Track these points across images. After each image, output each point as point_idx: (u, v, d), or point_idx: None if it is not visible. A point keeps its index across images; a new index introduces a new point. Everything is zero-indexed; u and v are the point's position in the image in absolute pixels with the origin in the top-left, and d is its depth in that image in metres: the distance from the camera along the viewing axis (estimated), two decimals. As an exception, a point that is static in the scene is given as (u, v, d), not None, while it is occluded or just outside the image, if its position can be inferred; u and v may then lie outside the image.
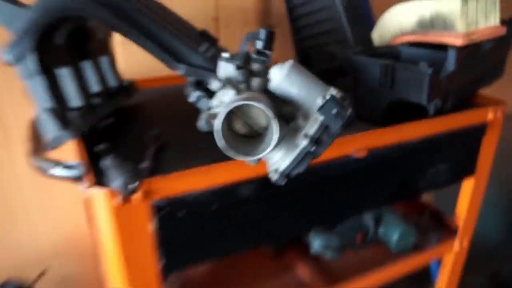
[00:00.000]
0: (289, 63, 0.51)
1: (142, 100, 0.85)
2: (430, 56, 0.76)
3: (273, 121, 0.47)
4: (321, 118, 0.50)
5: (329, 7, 0.91)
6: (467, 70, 0.76)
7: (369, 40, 0.89)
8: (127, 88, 0.81)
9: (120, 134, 0.70)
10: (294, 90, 0.51)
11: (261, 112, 0.51)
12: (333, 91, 0.50)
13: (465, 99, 0.87)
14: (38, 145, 0.63)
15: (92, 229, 0.96)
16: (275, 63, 1.03)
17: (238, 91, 0.50)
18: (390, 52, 0.81)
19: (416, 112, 0.74)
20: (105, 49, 0.79)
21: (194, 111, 0.62)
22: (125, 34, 0.56)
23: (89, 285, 1.11)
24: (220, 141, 0.46)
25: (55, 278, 1.06)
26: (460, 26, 0.70)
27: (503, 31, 0.75)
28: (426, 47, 0.79)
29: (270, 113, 0.46)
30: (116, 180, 0.47)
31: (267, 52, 0.52)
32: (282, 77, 0.50)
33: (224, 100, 0.50)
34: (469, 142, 0.86)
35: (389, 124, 0.73)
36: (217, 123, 0.45)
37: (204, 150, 0.61)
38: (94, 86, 0.68)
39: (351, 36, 0.89)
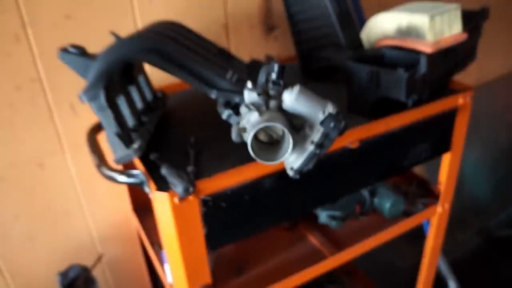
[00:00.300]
0: (296, 88, 0.68)
1: (170, 106, 1.02)
2: (408, 57, 0.92)
3: (288, 135, 0.64)
4: (322, 129, 0.67)
5: (323, 15, 1.06)
6: (438, 69, 0.93)
7: (359, 41, 1.05)
8: (161, 99, 0.98)
9: (160, 141, 0.87)
10: (302, 108, 0.68)
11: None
12: (330, 108, 0.67)
13: (441, 86, 1.04)
14: (101, 158, 0.81)
15: (136, 216, 1.15)
16: (280, 57, 1.21)
17: (260, 112, 0.68)
18: (376, 55, 0.97)
19: (398, 105, 0.91)
20: (141, 68, 0.95)
21: (215, 114, 0.79)
22: (170, 72, 0.72)
23: (134, 265, 1.31)
24: (252, 153, 0.64)
25: (106, 261, 1.26)
26: (429, 37, 0.87)
27: (464, 37, 0.91)
28: (404, 49, 0.95)
29: (286, 130, 0.64)
30: (178, 187, 0.65)
31: (280, 81, 0.69)
32: (292, 100, 0.68)
33: (251, 119, 0.68)
34: (444, 124, 1.03)
35: (377, 116, 0.91)
36: (249, 142, 0.63)
37: (232, 151, 0.79)
38: (139, 105, 0.86)
39: (343, 40, 1.05)
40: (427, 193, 1.22)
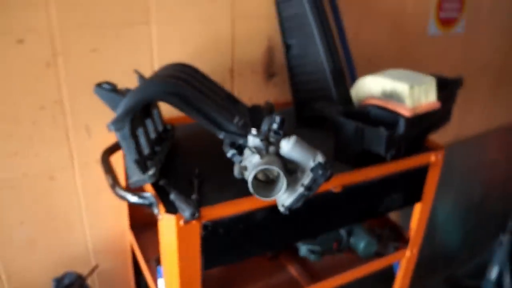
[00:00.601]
0: (293, 138, 0.80)
1: (177, 137, 1.13)
2: (389, 117, 1.06)
3: (283, 177, 0.77)
4: (312, 174, 0.79)
5: (319, 71, 1.20)
6: (415, 130, 1.06)
7: (349, 97, 1.19)
8: (170, 130, 1.09)
9: (167, 169, 0.98)
10: (296, 155, 0.81)
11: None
12: (319, 158, 0.79)
13: (417, 144, 1.18)
14: (115, 179, 0.92)
15: (133, 233, 1.25)
16: (277, 101, 1.34)
17: (261, 155, 0.80)
18: (362, 112, 1.10)
19: (378, 157, 1.04)
20: (155, 103, 1.08)
21: (217, 147, 0.92)
22: (186, 113, 0.85)
23: (123, 278, 1.39)
24: (251, 190, 0.76)
25: (97, 271, 1.34)
26: (408, 103, 1.01)
27: (438, 105, 1.05)
28: (387, 110, 1.09)
29: (281, 173, 0.76)
30: (186, 211, 0.76)
31: (280, 131, 0.82)
32: (289, 148, 0.80)
33: (252, 160, 0.80)
34: (417, 178, 1.17)
35: (359, 165, 1.03)
36: (249, 180, 0.75)
37: (231, 184, 0.90)
38: (152, 135, 0.98)
39: (335, 95, 1.19)
40: (398, 237, 1.34)
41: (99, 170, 1.22)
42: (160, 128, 1.06)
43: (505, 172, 2.55)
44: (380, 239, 1.30)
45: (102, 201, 1.26)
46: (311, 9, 1.15)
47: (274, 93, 1.43)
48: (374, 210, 1.13)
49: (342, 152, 1.07)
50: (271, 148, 0.81)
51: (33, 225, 1.20)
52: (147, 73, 1.08)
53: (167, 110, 1.16)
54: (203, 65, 1.19)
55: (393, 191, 1.13)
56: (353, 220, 1.13)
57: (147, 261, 1.14)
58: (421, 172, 1.16)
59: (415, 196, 1.20)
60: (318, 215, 1.01)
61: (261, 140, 0.81)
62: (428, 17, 1.78)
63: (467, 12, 1.90)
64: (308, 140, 0.83)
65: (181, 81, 0.86)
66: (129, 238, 1.28)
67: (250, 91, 1.38)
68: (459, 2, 1.83)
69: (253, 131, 0.82)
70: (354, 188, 1.03)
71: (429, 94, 1.04)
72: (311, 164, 0.80)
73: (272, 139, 0.82)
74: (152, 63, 1.20)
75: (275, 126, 0.82)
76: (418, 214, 1.25)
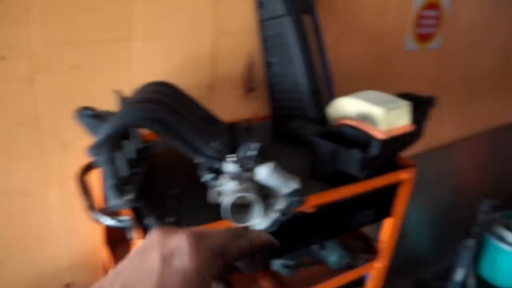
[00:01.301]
0: (270, 165, 0.83)
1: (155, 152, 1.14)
2: (363, 138, 1.09)
3: (258, 204, 0.79)
4: (286, 200, 0.82)
5: (297, 90, 1.23)
6: (387, 150, 1.10)
7: (324, 116, 1.22)
8: (149, 148, 1.10)
9: (145, 189, 0.99)
10: (271, 182, 0.83)
11: (251, 196, 0.83)
12: (294, 185, 0.82)
13: (389, 162, 1.22)
14: (91, 201, 0.92)
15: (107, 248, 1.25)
16: (256, 115, 1.36)
17: (238, 181, 0.82)
18: (337, 132, 1.13)
19: (351, 175, 1.08)
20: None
21: (194, 165, 0.93)
22: (164, 137, 0.86)
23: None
24: (228, 216, 0.78)
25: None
26: (382, 125, 1.04)
27: (412, 128, 1.10)
28: (361, 130, 1.12)
29: (257, 200, 0.79)
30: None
31: (258, 158, 0.84)
32: (266, 174, 0.82)
33: (229, 186, 0.82)
34: (388, 194, 1.21)
35: (334, 183, 1.07)
36: (227, 207, 0.77)
37: (207, 205, 0.92)
38: (131, 155, 0.99)
39: (311, 114, 1.22)
40: (369, 248, 1.39)
41: (74, 187, 1.21)
42: (140, 146, 1.07)
43: (474, 179, 2.64)
44: (351, 251, 1.34)
45: (76, 218, 1.25)
46: (292, 30, 1.18)
47: (253, 106, 1.45)
48: (346, 226, 1.17)
49: (317, 171, 1.10)
50: (248, 174, 0.84)
51: (4, 242, 1.18)
52: (128, 89, 1.08)
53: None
54: (184, 81, 1.20)
55: (365, 208, 1.17)
56: (327, 237, 1.16)
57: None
58: (392, 189, 1.20)
59: (386, 211, 1.24)
60: (292, 234, 1.04)
61: (240, 166, 0.83)
62: (406, 32, 1.83)
63: (443, 29, 1.96)
64: (284, 155, 0.85)
65: (161, 106, 0.88)
66: (103, 253, 1.28)
67: (230, 106, 1.40)
68: (435, 19, 1.89)
69: (230, 157, 0.84)
70: (327, 207, 1.06)
71: (403, 117, 1.08)
72: (287, 190, 0.82)
73: (249, 165, 0.84)
74: (133, 79, 1.20)
75: (253, 153, 0.84)
76: (389, 228, 1.29)
